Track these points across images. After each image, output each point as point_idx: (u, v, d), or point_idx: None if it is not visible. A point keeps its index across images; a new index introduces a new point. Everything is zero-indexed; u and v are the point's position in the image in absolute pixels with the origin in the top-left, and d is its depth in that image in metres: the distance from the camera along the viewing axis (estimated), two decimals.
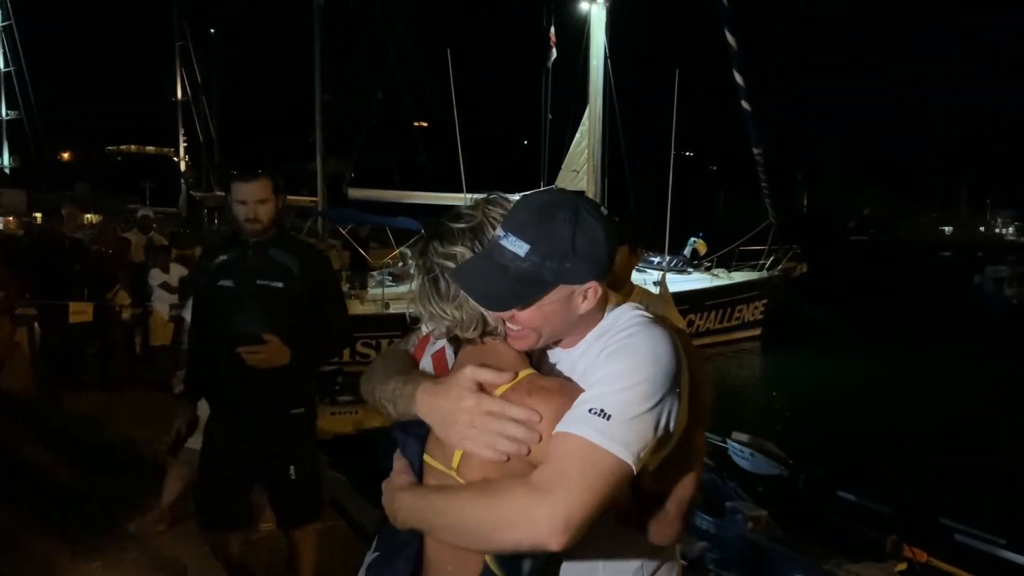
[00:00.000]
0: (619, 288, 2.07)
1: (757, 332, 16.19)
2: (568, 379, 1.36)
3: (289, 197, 18.36)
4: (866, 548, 5.26)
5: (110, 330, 8.35)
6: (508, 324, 1.37)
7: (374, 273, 13.83)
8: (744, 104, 15.22)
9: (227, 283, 3.13)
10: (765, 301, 16.02)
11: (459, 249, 1.37)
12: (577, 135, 14.43)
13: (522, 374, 1.34)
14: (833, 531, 5.59)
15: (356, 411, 8.08)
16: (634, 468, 1.21)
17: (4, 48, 43.91)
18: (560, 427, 1.23)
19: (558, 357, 1.42)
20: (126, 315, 8.57)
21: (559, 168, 15.70)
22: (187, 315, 4.26)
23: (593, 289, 1.33)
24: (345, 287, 13.03)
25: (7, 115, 45.39)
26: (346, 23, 22.90)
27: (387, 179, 21.81)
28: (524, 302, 1.31)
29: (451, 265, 1.37)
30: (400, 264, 13.89)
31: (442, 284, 1.40)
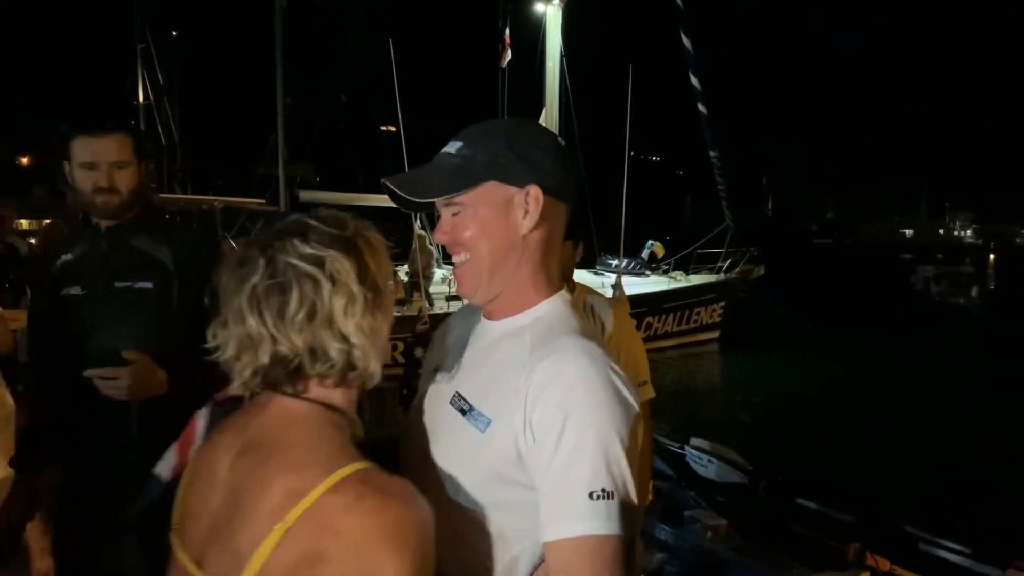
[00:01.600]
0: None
1: (716, 335, 16.26)
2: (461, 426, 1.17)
3: (235, 199, 17.98)
4: (828, 557, 5.16)
5: None
6: (454, 257, 1.25)
7: None
8: (700, 107, 15.40)
9: (74, 290, 2.22)
10: (723, 304, 16.10)
11: (334, 254, 1.06)
12: None
13: (350, 467, 0.99)
14: (794, 540, 5.48)
15: None
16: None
17: None
18: (561, 531, 1.06)
19: (490, 334, 1.27)
20: None
21: None
22: None
23: (534, 196, 1.20)
24: None
25: None
26: (309, 25, 22.69)
27: (352, 183, 21.62)
28: (450, 191, 1.20)
29: (312, 270, 1.04)
30: None
31: (293, 298, 1.04)
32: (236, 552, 0.96)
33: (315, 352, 1.05)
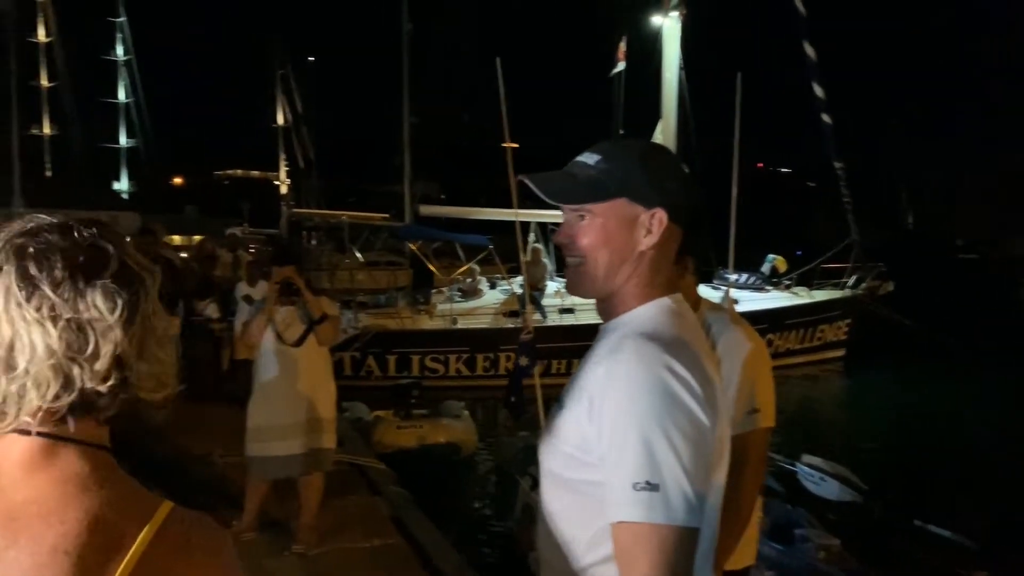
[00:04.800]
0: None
1: (840, 353, 15.47)
2: None
3: (361, 214, 18.87)
4: None
5: (197, 344, 8.73)
6: (568, 259, 1.36)
7: (444, 289, 14.04)
8: (824, 117, 14.86)
9: None
10: (849, 321, 15.36)
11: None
12: None
13: (164, 508, 0.86)
14: (912, 564, 5.24)
15: (421, 425, 8.14)
16: (700, 525, 1.16)
17: (125, 81, 47.25)
18: (613, 515, 1.17)
19: (598, 336, 1.39)
20: (216, 329, 8.93)
21: None
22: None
23: (659, 218, 1.30)
24: (403, 302, 13.37)
25: (126, 143, 48.69)
26: (432, 49, 23.63)
27: (474, 200, 22.26)
28: (585, 201, 1.31)
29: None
30: (468, 280, 14.03)
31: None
32: None
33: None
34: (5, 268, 0.82)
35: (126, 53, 46.95)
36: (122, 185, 49.35)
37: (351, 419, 8.29)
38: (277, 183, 40.35)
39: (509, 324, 12.77)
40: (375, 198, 21.10)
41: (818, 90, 14.78)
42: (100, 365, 0.83)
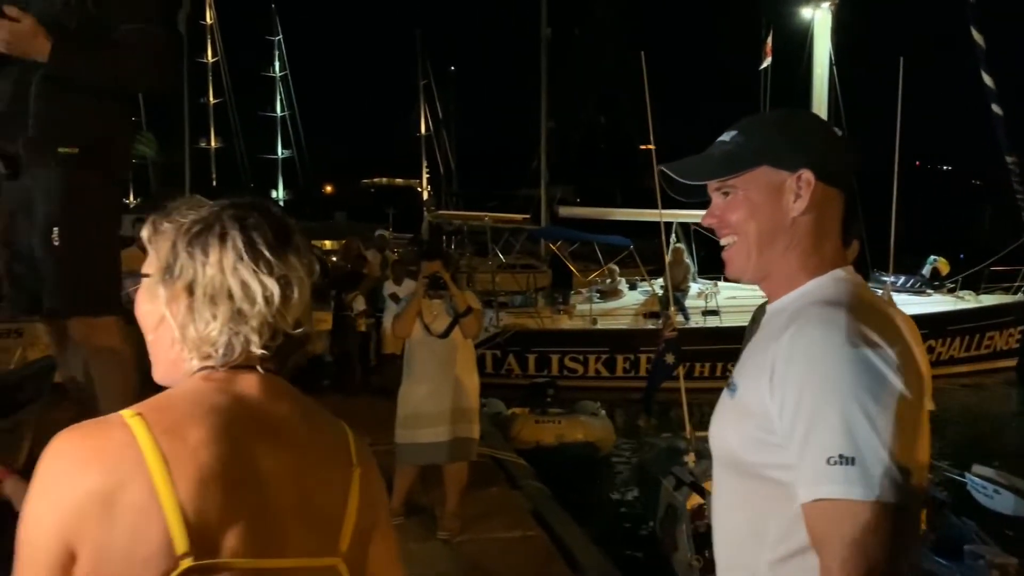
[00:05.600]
0: None
1: (1012, 363, 14.13)
2: None
3: (504, 215, 19.17)
4: None
5: (347, 338, 9.19)
6: (722, 240, 1.29)
7: (583, 290, 14.03)
8: (995, 107, 13.63)
9: None
10: (1022, 328, 14.05)
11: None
12: None
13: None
14: None
15: (559, 421, 8.17)
16: (909, 502, 1.04)
17: (281, 95, 50.49)
18: (805, 494, 1.07)
19: (766, 317, 1.30)
20: (362, 326, 9.35)
21: None
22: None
23: (806, 179, 1.21)
24: (542, 302, 13.43)
25: (283, 154, 51.96)
26: (571, 53, 23.80)
27: (610, 201, 22.19)
28: (724, 174, 1.25)
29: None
30: (608, 281, 13.95)
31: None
32: (323, 518, 1.03)
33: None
34: (231, 233, 1.02)
35: (282, 69, 50.14)
36: (279, 193, 52.60)
37: (489, 414, 8.45)
38: (420, 189, 41.82)
39: (649, 325, 12.58)
40: (512, 201, 21.41)
41: (987, 79, 13.60)
42: (296, 314, 1.05)
